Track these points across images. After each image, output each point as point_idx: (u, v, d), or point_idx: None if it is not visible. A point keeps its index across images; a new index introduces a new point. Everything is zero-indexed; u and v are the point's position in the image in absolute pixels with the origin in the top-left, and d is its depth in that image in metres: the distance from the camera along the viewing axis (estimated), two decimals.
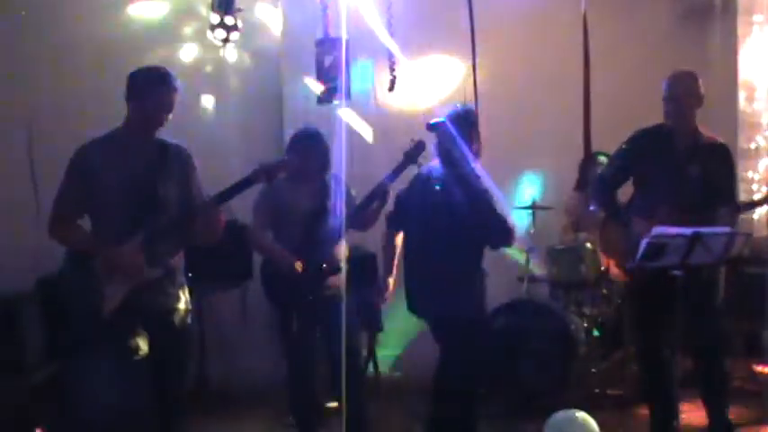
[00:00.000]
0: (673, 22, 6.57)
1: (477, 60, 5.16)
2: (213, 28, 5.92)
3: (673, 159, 4.35)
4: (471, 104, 4.18)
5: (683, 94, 4.32)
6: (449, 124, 4.01)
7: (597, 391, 5.28)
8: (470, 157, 4.04)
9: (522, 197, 6.11)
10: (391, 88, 5.98)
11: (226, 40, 5.97)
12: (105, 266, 3.50)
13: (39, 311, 5.19)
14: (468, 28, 5.61)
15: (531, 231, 5.72)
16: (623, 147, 4.58)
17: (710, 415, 4.41)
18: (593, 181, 4.89)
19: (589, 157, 5.98)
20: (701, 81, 4.38)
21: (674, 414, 4.47)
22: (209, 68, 6.15)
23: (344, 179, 4.68)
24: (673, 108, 4.34)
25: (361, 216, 4.57)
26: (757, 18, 6.49)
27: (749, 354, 5.47)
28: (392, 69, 5.95)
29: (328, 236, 4.51)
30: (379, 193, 4.49)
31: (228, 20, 5.89)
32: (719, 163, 4.35)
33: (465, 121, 4.10)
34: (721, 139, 4.45)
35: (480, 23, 5.66)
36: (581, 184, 5.92)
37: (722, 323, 4.46)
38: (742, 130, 6.56)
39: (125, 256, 3.50)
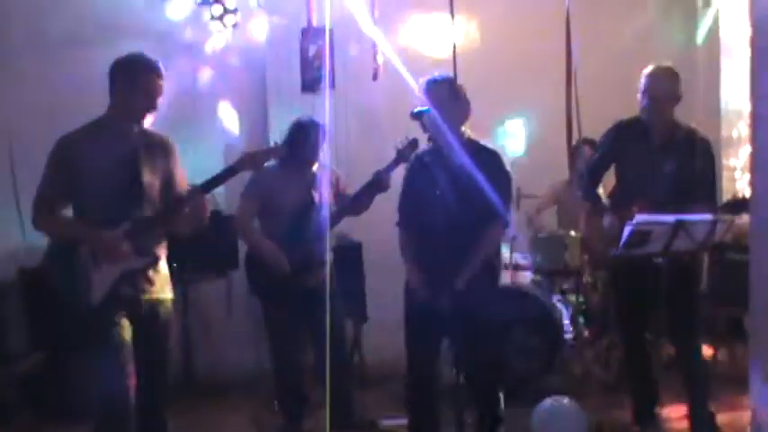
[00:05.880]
0: (656, 10, 6.60)
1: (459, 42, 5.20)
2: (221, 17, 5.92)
3: (647, 155, 4.31)
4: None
5: (663, 93, 4.26)
6: (432, 110, 3.97)
7: (583, 377, 5.32)
8: (457, 139, 4.02)
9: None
10: (375, 77, 5.97)
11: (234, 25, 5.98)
12: (91, 255, 3.48)
13: (21, 302, 5.18)
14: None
15: (515, 219, 5.73)
16: (602, 139, 4.60)
17: (691, 403, 4.44)
18: (582, 172, 4.91)
19: (576, 145, 5.99)
20: (680, 77, 4.31)
21: (656, 400, 4.52)
22: (193, 58, 6.11)
23: (331, 166, 4.69)
24: (651, 106, 4.28)
25: (356, 205, 4.60)
26: (740, 5, 6.52)
27: (732, 339, 5.52)
28: (375, 58, 5.93)
29: (316, 228, 4.51)
30: (377, 184, 4.50)
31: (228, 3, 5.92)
32: (697, 158, 4.29)
33: (448, 88, 3.99)
34: (702, 133, 4.41)
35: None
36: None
37: (702, 311, 4.49)
38: (724, 119, 6.61)
39: (111, 243, 3.48)
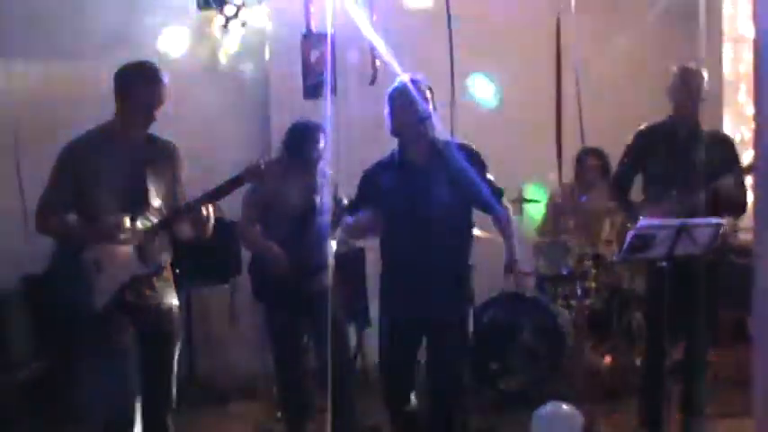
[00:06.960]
0: (658, 14, 6.60)
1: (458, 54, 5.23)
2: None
3: (674, 148, 4.44)
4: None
5: (696, 90, 4.42)
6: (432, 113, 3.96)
7: (585, 382, 5.31)
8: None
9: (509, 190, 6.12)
10: (372, 82, 5.95)
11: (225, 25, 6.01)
12: (94, 262, 3.48)
13: (24, 309, 5.17)
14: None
15: (518, 224, 5.72)
16: (628, 144, 4.65)
17: (686, 394, 4.52)
18: (611, 181, 4.98)
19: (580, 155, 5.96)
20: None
21: (664, 404, 4.51)
22: (195, 64, 6.12)
23: (331, 175, 4.67)
24: (684, 102, 4.43)
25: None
26: (743, 7, 6.53)
27: (736, 342, 5.52)
28: (373, 63, 5.93)
29: (318, 232, 4.50)
30: None
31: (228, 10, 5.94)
32: (722, 150, 4.44)
33: (421, 84, 4.00)
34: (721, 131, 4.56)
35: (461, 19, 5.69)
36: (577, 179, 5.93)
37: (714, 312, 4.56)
38: (727, 122, 6.61)
39: (116, 246, 3.49)
